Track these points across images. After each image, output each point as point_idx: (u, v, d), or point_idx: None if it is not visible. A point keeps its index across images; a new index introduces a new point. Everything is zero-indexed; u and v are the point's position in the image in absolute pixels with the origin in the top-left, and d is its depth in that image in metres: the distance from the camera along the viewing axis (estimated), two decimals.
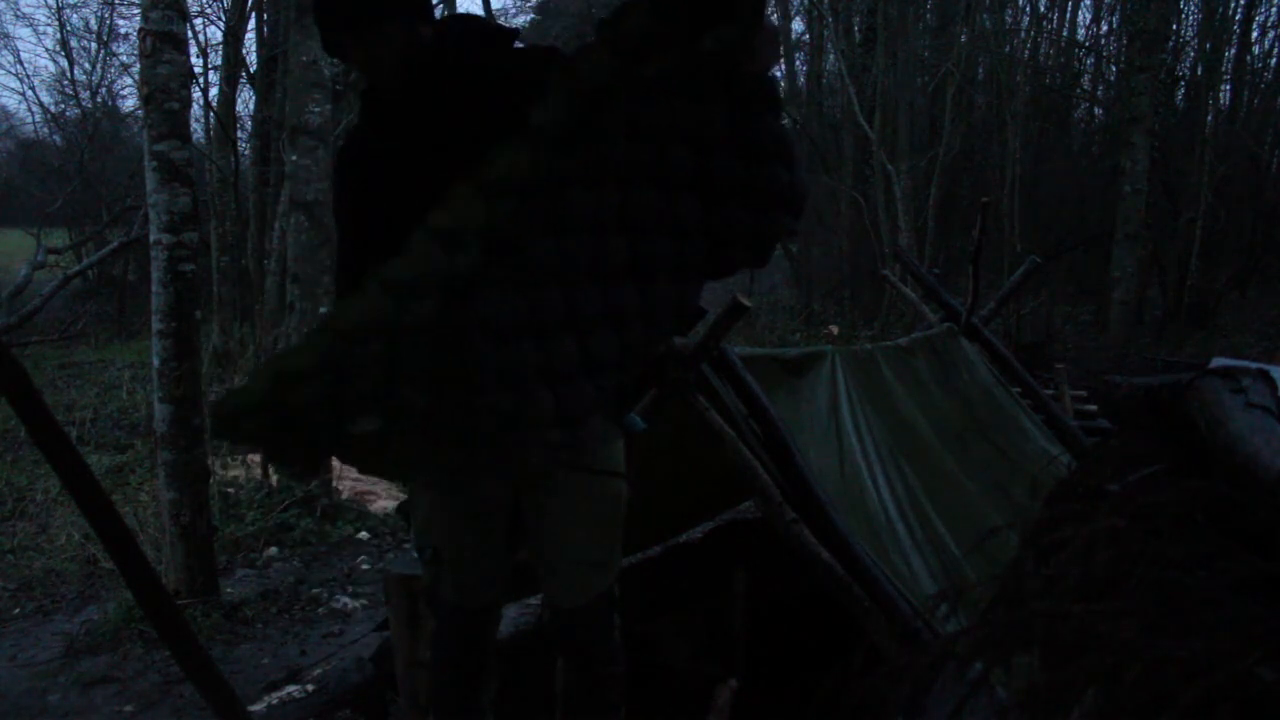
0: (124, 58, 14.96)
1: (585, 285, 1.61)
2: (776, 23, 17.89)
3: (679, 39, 1.45)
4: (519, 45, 1.86)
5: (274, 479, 5.34)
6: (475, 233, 1.46)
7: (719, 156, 1.65)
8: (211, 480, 4.18)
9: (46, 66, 52.86)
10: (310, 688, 3.14)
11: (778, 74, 16.81)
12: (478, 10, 14.93)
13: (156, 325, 3.89)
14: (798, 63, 16.76)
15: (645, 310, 1.70)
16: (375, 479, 5.44)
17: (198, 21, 11.60)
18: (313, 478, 4.89)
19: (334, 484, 5.35)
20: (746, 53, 1.55)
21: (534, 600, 3.34)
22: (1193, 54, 13.60)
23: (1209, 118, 12.49)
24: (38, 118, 17.48)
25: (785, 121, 1.71)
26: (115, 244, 11.44)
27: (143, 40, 3.85)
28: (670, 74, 1.51)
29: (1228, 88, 14.10)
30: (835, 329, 7.45)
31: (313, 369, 1.43)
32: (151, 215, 3.92)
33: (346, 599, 4.19)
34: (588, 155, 1.50)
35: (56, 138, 16.36)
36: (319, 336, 1.45)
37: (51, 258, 11.99)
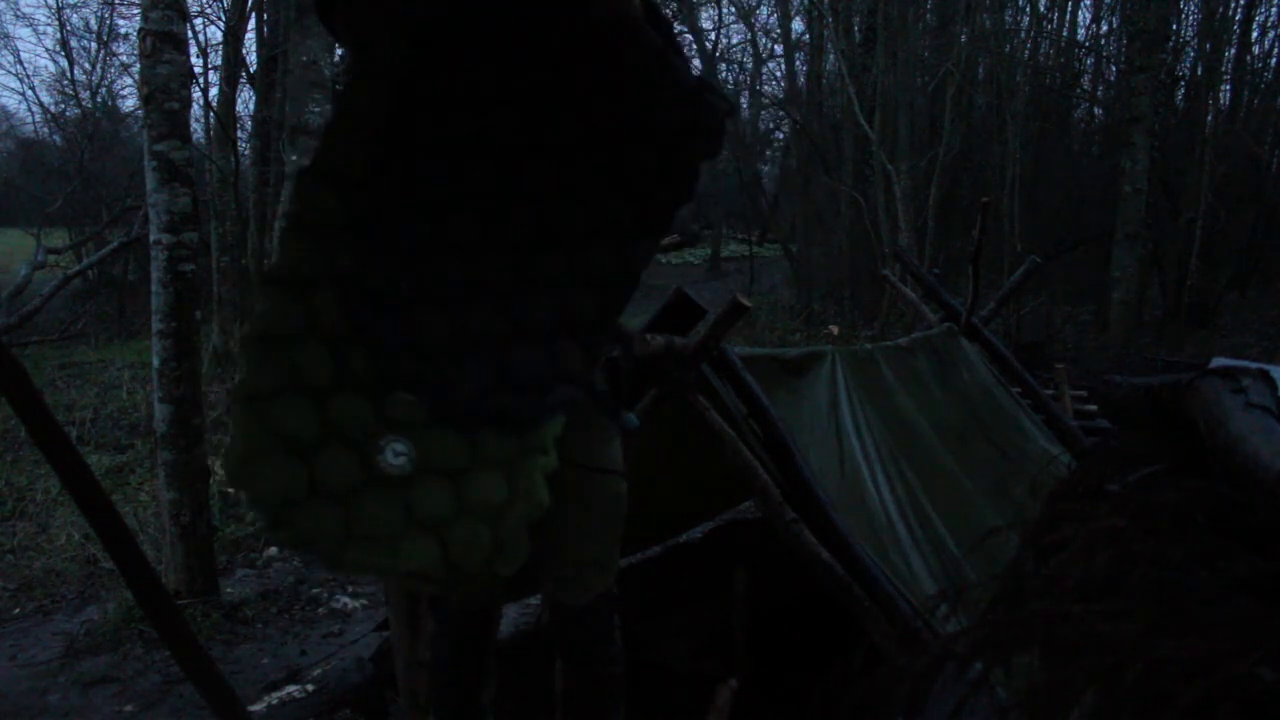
0: (124, 58, 14.99)
1: (489, 257, 1.61)
2: (775, 22, 17.91)
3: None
4: None
5: None
6: (336, 225, 1.49)
7: (599, 104, 1.64)
8: (211, 480, 4.17)
9: (46, 66, 52.84)
10: (310, 688, 3.14)
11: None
12: None
13: (156, 325, 3.88)
14: (798, 63, 16.78)
15: (583, 276, 1.68)
16: None
17: (198, 21, 11.63)
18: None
19: None
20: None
21: (534, 600, 3.34)
22: (1193, 54, 13.60)
23: (1209, 118, 12.48)
24: (38, 118, 17.53)
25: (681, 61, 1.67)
26: (115, 244, 11.42)
27: (143, 40, 3.85)
28: (515, 34, 1.52)
29: (1228, 88, 14.09)
30: (835, 329, 7.44)
31: (266, 382, 1.45)
32: (151, 215, 3.92)
33: (346, 599, 4.19)
34: (420, 132, 1.53)
35: (56, 138, 16.37)
36: (246, 350, 1.48)
37: (51, 258, 11.98)
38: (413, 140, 1.54)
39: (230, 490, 5.20)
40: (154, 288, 3.89)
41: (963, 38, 12.67)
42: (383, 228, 1.53)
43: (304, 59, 5.42)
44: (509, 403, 1.61)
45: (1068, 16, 15.95)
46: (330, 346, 1.49)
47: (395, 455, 1.50)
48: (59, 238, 13.17)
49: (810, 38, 15.93)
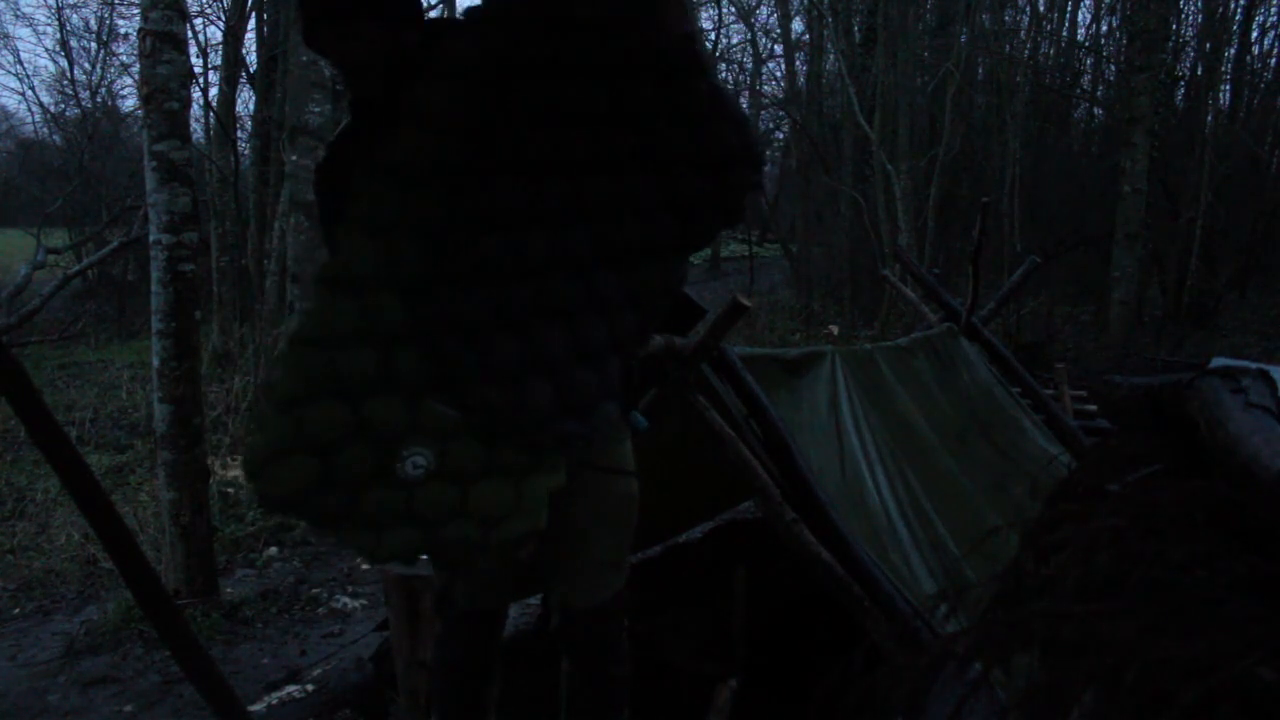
0: (124, 58, 14.99)
1: (555, 275, 1.61)
2: (775, 22, 17.91)
3: (558, 12, 1.47)
4: None
5: None
6: (404, 225, 1.48)
7: (661, 129, 1.65)
8: (211, 480, 4.17)
9: (46, 66, 52.84)
10: (310, 688, 3.15)
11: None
12: None
13: (156, 325, 3.88)
14: (798, 63, 16.78)
15: (631, 294, 1.70)
16: None
17: (198, 21, 11.63)
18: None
19: None
20: (656, 20, 1.56)
21: (534, 600, 3.34)
22: (1193, 54, 13.61)
23: (1209, 118, 12.49)
24: (38, 118, 17.55)
25: (720, 82, 1.72)
26: (115, 244, 11.41)
27: (143, 40, 3.85)
28: (569, 55, 1.52)
29: (1228, 88, 14.11)
30: (835, 329, 7.43)
31: (301, 387, 1.46)
32: (151, 215, 3.92)
33: (346, 599, 4.19)
34: (501, 142, 1.52)
35: (56, 138, 16.37)
36: (290, 351, 1.48)
37: (51, 258, 11.97)
38: (492, 152, 1.53)
39: (230, 490, 5.21)
40: (154, 288, 3.89)
41: (963, 38, 12.67)
42: (455, 238, 1.52)
43: (304, 59, 5.42)
44: (573, 427, 1.63)
45: (1068, 16, 15.97)
46: (381, 348, 1.49)
47: (414, 467, 1.52)
48: (59, 238, 13.16)
49: (810, 38, 15.93)
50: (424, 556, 1.69)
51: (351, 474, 1.49)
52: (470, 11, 1.49)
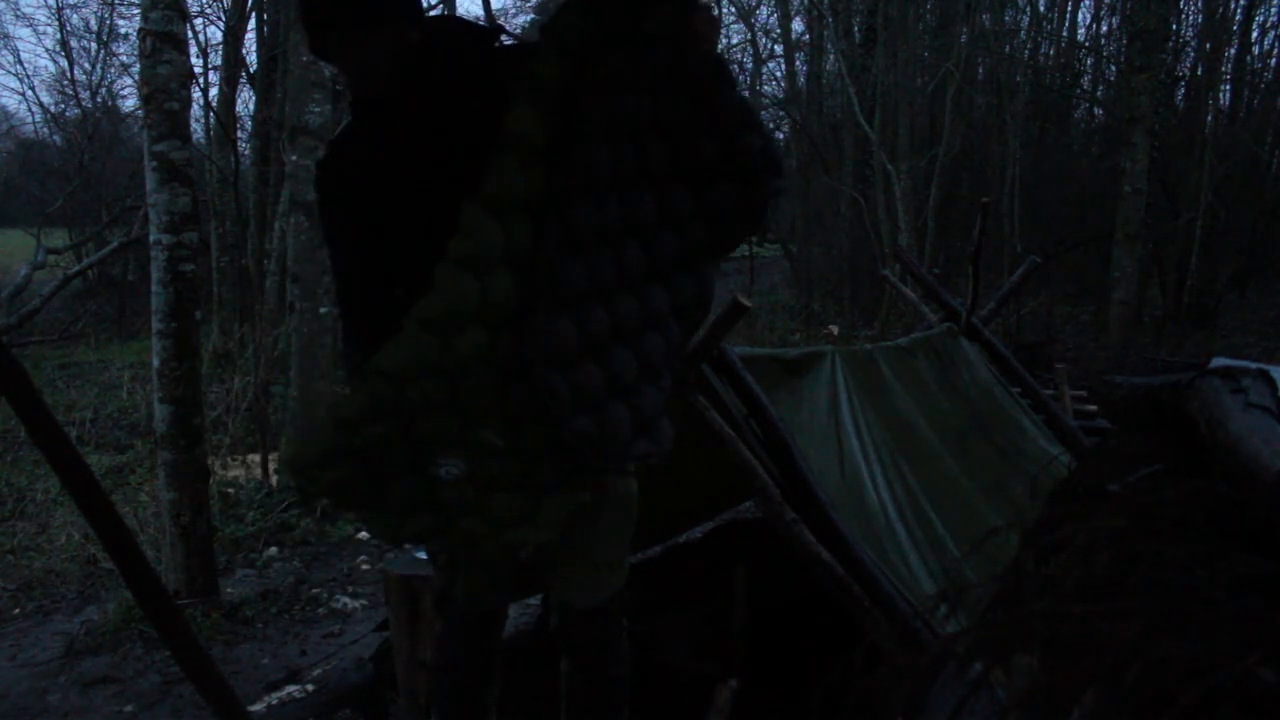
0: (124, 58, 15.00)
1: (621, 295, 1.63)
2: (775, 22, 17.90)
3: (618, 28, 1.46)
4: (507, 43, 1.85)
5: (274, 479, 5.34)
6: (499, 257, 1.48)
7: (694, 141, 1.67)
8: (211, 480, 4.17)
9: (46, 66, 52.91)
10: (310, 688, 3.15)
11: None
12: (478, 10, 14.94)
13: (156, 325, 3.88)
14: (798, 63, 16.77)
15: (675, 305, 1.74)
16: None
17: (198, 21, 11.63)
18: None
19: None
20: (690, 34, 1.57)
21: (534, 600, 3.34)
22: (1193, 54, 13.61)
23: (1209, 118, 12.50)
24: (38, 118, 17.56)
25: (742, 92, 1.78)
26: (115, 244, 11.43)
27: (143, 40, 3.85)
28: (627, 70, 1.53)
29: (1228, 88, 14.11)
30: (835, 329, 7.44)
31: (366, 413, 1.49)
32: (151, 215, 3.92)
33: (346, 599, 4.19)
34: (577, 163, 1.52)
35: (56, 138, 16.38)
36: (369, 380, 1.50)
37: (51, 258, 11.98)
38: (569, 174, 1.53)
39: (230, 490, 5.21)
40: (154, 288, 3.89)
41: (963, 38, 12.67)
42: (541, 266, 1.52)
43: (304, 59, 5.42)
44: (646, 446, 1.66)
45: (1068, 16, 15.97)
46: (453, 382, 1.50)
47: (447, 473, 1.56)
48: (59, 238, 13.18)
49: (810, 38, 15.93)
50: (425, 548, 1.73)
51: (387, 471, 1.54)
52: (545, 30, 1.48)
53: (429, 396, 1.49)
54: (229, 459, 5.79)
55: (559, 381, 1.53)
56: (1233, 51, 13.83)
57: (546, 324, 1.52)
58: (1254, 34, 14.41)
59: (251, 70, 11.10)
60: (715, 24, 1.67)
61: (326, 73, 5.39)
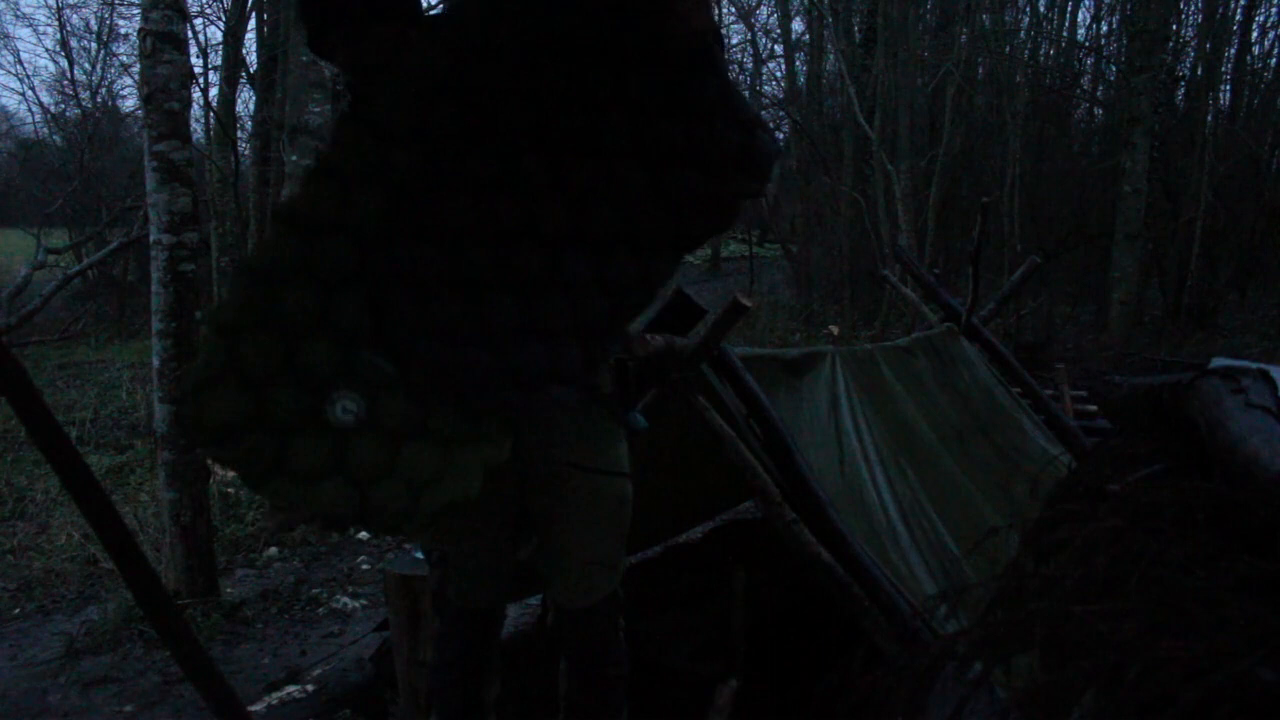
0: (124, 58, 15.01)
1: (519, 248, 1.60)
2: (775, 22, 17.91)
3: None
4: None
5: None
6: (369, 176, 1.49)
7: (659, 120, 1.63)
8: (211, 480, 4.17)
9: (46, 66, 52.90)
10: (310, 688, 3.15)
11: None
12: None
13: (156, 325, 3.89)
14: (798, 63, 16.78)
15: (602, 280, 1.67)
16: None
17: (198, 21, 11.63)
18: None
19: None
20: (673, 14, 1.56)
21: (534, 600, 3.34)
22: (1193, 54, 13.60)
23: (1209, 118, 12.48)
24: (38, 118, 17.54)
25: (738, 85, 1.72)
26: (115, 244, 11.42)
27: (143, 40, 3.85)
28: (591, 38, 1.52)
29: (1228, 88, 14.11)
30: (835, 329, 7.43)
31: (242, 314, 1.47)
32: (151, 215, 3.92)
33: (346, 599, 4.19)
34: (481, 111, 1.53)
35: (56, 138, 16.37)
36: (237, 280, 1.49)
37: (51, 258, 11.98)
38: (476, 119, 1.54)
39: (230, 490, 5.21)
40: (154, 288, 3.89)
41: (963, 38, 12.68)
42: (421, 195, 1.53)
43: (304, 59, 5.43)
44: (513, 398, 1.61)
45: (1068, 16, 15.97)
46: (324, 290, 1.49)
47: (344, 411, 1.51)
48: (59, 238, 13.17)
49: (810, 38, 15.93)
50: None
51: (281, 414, 1.48)
52: None
53: (302, 305, 1.47)
54: None
55: (405, 305, 1.52)
56: (1233, 51, 13.83)
57: (407, 248, 1.52)
58: (1254, 34, 14.43)
59: (251, 70, 11.11)
60: (705, 5, 1.63)
61: (326, 73, 5.39)
